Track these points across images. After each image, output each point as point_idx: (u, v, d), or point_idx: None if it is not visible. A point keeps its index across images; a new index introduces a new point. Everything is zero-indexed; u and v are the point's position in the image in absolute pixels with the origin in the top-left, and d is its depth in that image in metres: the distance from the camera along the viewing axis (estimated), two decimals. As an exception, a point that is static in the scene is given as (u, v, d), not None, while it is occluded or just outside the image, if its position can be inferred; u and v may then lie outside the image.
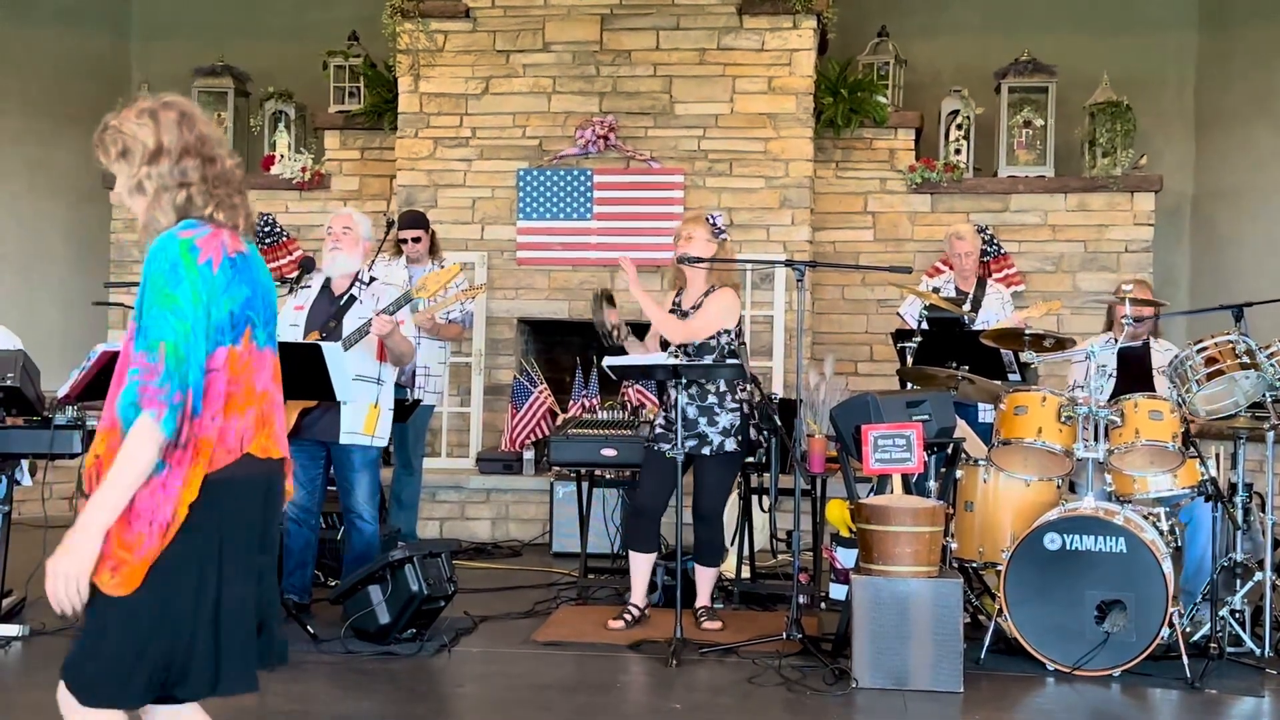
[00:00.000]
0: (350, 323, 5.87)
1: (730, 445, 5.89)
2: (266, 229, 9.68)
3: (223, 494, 2.76)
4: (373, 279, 6.14)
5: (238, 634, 2.82)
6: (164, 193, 2.80)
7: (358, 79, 9.86)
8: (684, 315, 6.03)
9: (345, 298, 5.98)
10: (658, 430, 6.02)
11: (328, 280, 6.09)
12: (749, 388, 5.99)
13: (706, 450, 5.87)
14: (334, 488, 6.43)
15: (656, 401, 7.56)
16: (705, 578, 6.08)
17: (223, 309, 2.77)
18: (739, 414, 5.92)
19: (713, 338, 5.96)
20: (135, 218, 2.87)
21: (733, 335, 5.99)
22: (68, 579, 2.66)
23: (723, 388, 5.91)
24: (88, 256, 10.22)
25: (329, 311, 5.96)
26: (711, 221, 6.05)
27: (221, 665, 2.79)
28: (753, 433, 6.00)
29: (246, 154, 10.18)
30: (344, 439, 5.85)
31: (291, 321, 6.01)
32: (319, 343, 5.57)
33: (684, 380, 5.71)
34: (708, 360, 5.91)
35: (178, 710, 2.91)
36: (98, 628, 2.76)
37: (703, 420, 5.88)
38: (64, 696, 2.79)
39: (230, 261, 2.80)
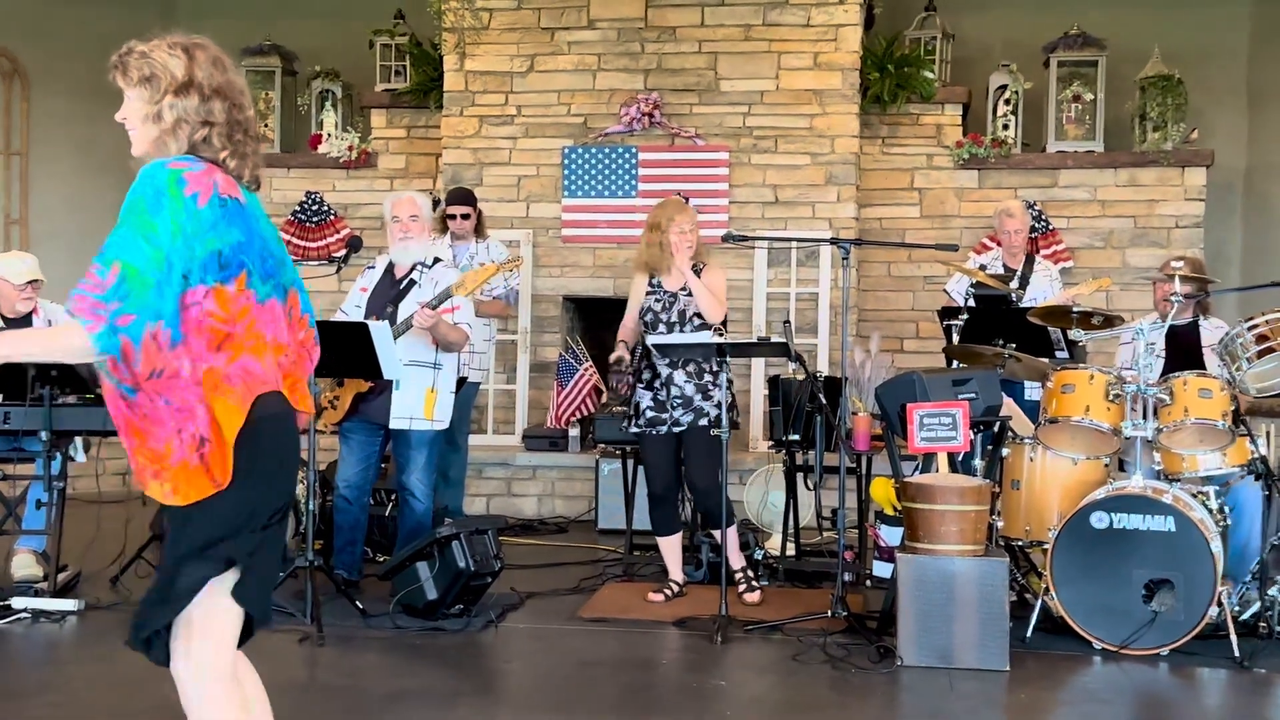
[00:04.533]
0: (406, 308, 5.90)
1: (724, 420, 5.87)
2: (314, 207, 9.75)
3: (273, 429, 2.84)
4: (436, 260, 6.16)
5: (273, 567, 2.98)
6: (184, 125, 2.79)
7: (404, 57, 9.89)
8: (673, 297, 6.03)
9: (405, 282, 6.01)
10: (649, 414, 6.01)
11: (391, 262, 6.12)
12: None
13: (703, 421, 5.90)
14: (387, 464, 6.50)
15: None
16: (728, 541, 6.02)
17: (208, 245, 2.74)
18: (729, 392, 5.96)
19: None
20: (133, 146, 2.85)
21: None
22: None
23: (715, 366, 5.92)
24: (137, 235, 10.31)
25: (388, 295, 6.00)
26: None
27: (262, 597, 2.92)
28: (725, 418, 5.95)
29: (294, 133, 10.26)
30: (400, 424, 5.89)
31: (357, 303, 6.08)
32: (365, 321, 5.61)
33: (726, 359, 5.73)
34: (706, 335, 5.93)
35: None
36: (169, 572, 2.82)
37: (698, 396, 5.93)
38: (182, 671, 2.85)
39: (220, 200, 2.76)
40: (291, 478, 2.98)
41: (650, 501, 6.18)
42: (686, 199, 6.13)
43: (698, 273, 6.02)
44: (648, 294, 6.10)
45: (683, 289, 6.02)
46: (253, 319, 2.83)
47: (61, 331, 2.73)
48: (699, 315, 6.00)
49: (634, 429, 6.10)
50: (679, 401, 5.91)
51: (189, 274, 2.71)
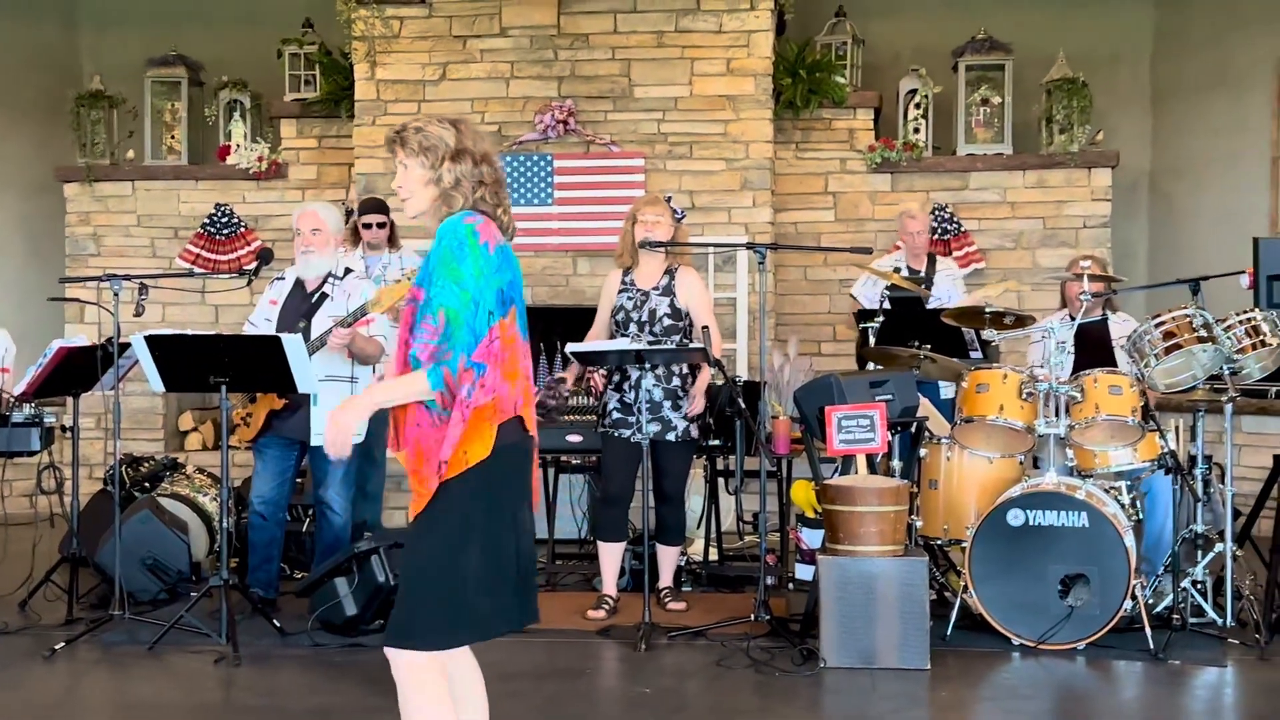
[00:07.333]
0: (320, 322, 5.81)
1: (694, 431, 5.92)
2: (224, 220, 9.60)
3: (505, 456, 3.24)
4: (348, 271, 6.08)
5: (507, 583, 3.30)
6: (463, 184, 3.28)
7: (313, 67, 9.75)
8: (644, 295, 5.98)
9: (317, 295, 5.93)
10: (614, 416, 5.99)
11: (299, 276, 6.03)
12: (712, 371, 5.99)
13: (671, 436, 5.87)
14: (303, 479, 6.40)
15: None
16: (669, 557, 6.09)
17: (494, 284, 3.22)
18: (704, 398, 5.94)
19: (680, 319, 5.96)
20: (407, 207, 3.37)
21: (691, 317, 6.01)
22: (342, 427, 3.30)
23: (685, 370, 5.92)
24: (42, 250, 10.08)
25: (300, 310, 5.90)
26: (668, 203, 6.08)
27: (495, 613, 3.29)
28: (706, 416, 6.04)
29: (201, 144, 10.10)
30: (321, 439, 5.79)
31: (266, 316, 5.98)
32: (278, 334, 5.52)
33: (649, 364, 5.71)
34: (675, 340, 5.90)
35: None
36: (415, 579, 3.30)
37: (667, 404, 5.88)
38: (397, 657, 3.36)
39: (500, 249, 3.27)
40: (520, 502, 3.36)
41: (603, 504, 6.09)
42: (669, 198, 6.12)
43: (672, 274, 5.98)
44: (620, 291, 6.04)
45: (654, 288, 5.97)
46: (515, 350, 3.28)
47: (410, 379, 3.23)
48: (668, 316, 5.93)
49: (599, 429, 6.06)
50: (646, 406, 5.76)
51: (491, 311, 3.22)
